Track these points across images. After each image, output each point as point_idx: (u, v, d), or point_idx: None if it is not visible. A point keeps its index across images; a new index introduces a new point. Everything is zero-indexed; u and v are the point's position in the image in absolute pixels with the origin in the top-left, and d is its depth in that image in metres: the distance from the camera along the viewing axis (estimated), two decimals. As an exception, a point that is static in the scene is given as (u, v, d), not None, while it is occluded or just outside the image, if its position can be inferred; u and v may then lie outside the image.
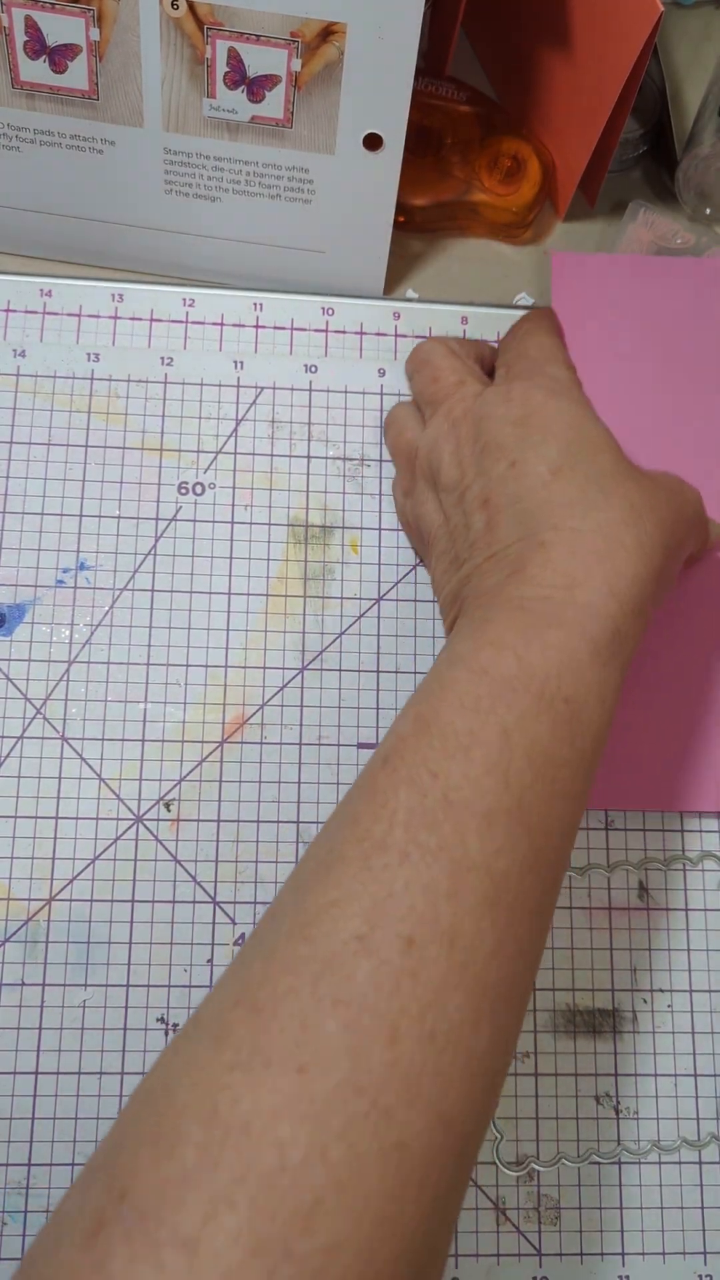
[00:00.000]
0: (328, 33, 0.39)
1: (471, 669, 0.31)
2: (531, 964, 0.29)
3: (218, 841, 0.41)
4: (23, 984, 0.39)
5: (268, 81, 0.40)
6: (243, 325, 0.47)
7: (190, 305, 0.47)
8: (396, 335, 0.47)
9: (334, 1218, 0.23)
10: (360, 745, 0.42)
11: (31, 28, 0.40)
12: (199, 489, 0.45)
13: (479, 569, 0.35)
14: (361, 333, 0.47)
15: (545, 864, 0.29)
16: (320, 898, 0.27)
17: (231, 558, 0.44)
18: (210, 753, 0.42)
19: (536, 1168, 0.39)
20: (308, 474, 0.45)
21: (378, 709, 0.43)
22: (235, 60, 0.40)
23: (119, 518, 0.44)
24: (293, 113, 0.41)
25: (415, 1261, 0.25)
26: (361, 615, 0.44)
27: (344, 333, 0.47)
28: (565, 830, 0.30)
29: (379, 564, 0.44)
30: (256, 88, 0.41)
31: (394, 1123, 0.24)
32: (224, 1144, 0.23)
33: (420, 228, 0.50)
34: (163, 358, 0.46)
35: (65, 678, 0.42)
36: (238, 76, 0.40)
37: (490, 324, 0.48)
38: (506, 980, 0.27)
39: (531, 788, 0.29)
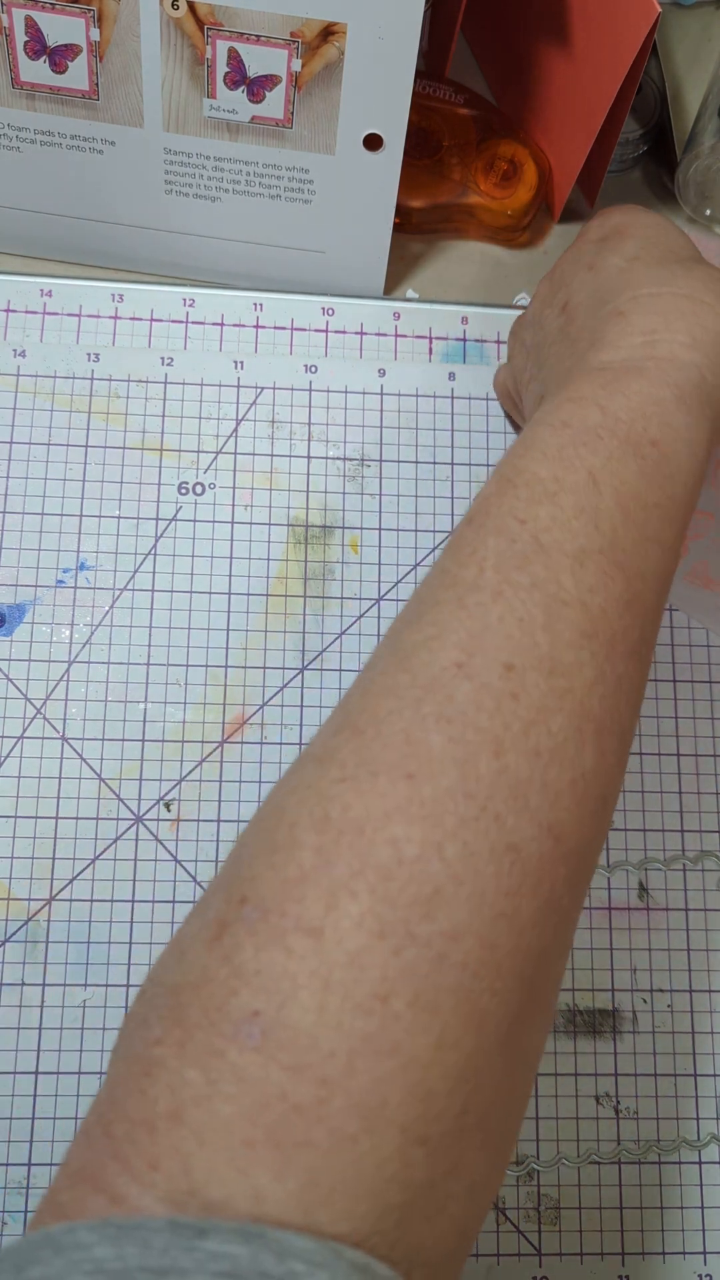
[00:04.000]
0: (328, 33, 0.39)
1: (552, 424, 0.30)
2: (633, 701, 0.29)
3: (218, 841, 0.41)
4: (23, 984, 0.39)
5: (268, 82, 0.41)
6: (243, 325, 0.47)
7: (190, 305, 0.47)
8: (396, 335, 0.47)
9: (453, 906, 0.24)
10: (360, 745, 0.42)
11: (32, 28, 0.40)
12: (199, 489, 0.45)
13: (556, 354, 0.35)
14: (361, 333, 0.47)
15: (641, 605, 0.29)
16: (415, 635, 0.27)
17: (231, 558, 0.44)
18: (210, 753, 0.42)
19: (536, 1168, 0.39)
20: (308, 474, 0.45)
21: (378, 709, 0.43)
22: (235, 60, 0.40)
23: (119, 518, 0.44)
24: (293, 113, 0.41)
25: (532, 960, 0.25)
26: (361, 615, 0.44)
27: (344, 333, 0.47)
28: (660, 574, 0.30)
29: (379, 564, 0.44)
30: (256, 88, 0.41)
31: (504, 827, 0.25)
32: (339, 844, 0.24)
33: (416, 229, 0.50)
34: (163, 358, 0.46)
35: (65, 678, 0.42)
36: (238, 77, 0.40)
37: (491, 324, 0.48)
38: (609, 711, 0.27)
39: (623, 529, 0.28)
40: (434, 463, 0.46)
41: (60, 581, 0.43)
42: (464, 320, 0.48)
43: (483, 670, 0.26)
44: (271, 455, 0.45)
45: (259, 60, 0.40)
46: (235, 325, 0.47)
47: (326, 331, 0.47)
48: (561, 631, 0.27)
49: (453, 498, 0.45)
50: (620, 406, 0.30)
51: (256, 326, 0.47)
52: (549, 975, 0.27)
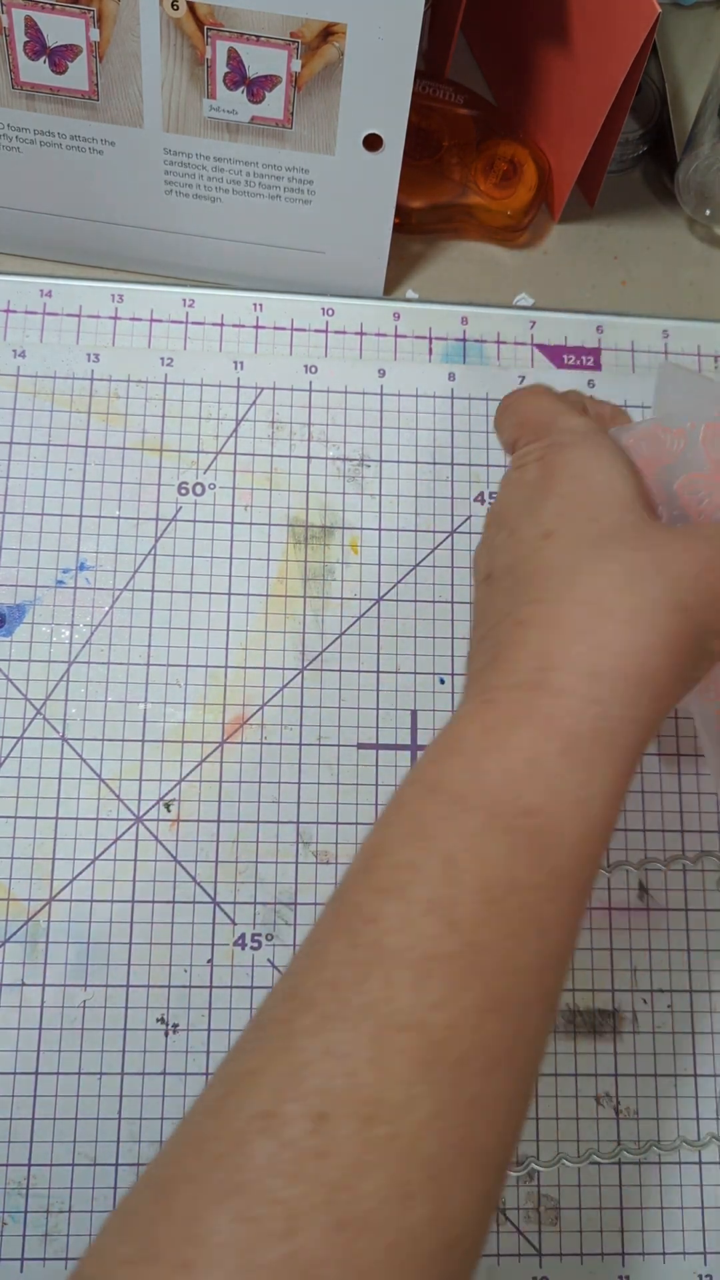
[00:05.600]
0: (328, 33, 0.39)
1: (424, 783, 0.27)
2: (500, 1119, 0.25)
3: (218, 841, 0.41)
4: (23, 984, 0.39)
5: (268, 82, 0.41)
6: (243, 325, 0.47)
7: (190, 305, 0.47)
8: (396, 335, 0.47)
9: None
10: (360, 745, 0.42)
11: (31, 28, 0.40)
12: (199, 489, 0.45)
13: (472, 653, 0.31)
14: (361, 333, 0.47)
15: (513, 1004, 0.25)
16: (239, 1065, 0.25)
17: (231, 558, 0.44)
18: (210, 753, 0.42)
19: (536, 1168, 0.39)
20: (308, 474, 0.45)
21: (378, 709, 0.43)
22: (235, 61, 0.40)
23: (119, 518, 0.44)
24: (293, 113, 0.42)
25: None
26: (361, 615, 0.44)
27: (344, 333, 0.47)
28: (541, 964, 0.26)
29: (379, 564, 0.44)
30: (256, 88, 0.41)
31: None
32: None
33: (416, 230, 0.50)
34: (163, 358, 0.46)
35: (65, 678, 0.42)
36: (238, 77, 0.40)
37: (491, 324, 0.48)
38: (454, 1146, 0.24)
39: (486, 924, 0.25)
40: (434, 463, 0.46)
41: (60, 581, 0.43)
42: (464, 320, 0.48)
43: (291, 1123, 0.23)
44: (271, 455, 0.45)
45: (259, 60, 0.40)
46: (235, 325, 0.47)
47: (326, 332, 0.47)
48: (391, 1064, 0.24)
49: (452, 498, 0.45)
50: (493, 767, 0.26)
51: (256, 327, 0.47)
52: None
